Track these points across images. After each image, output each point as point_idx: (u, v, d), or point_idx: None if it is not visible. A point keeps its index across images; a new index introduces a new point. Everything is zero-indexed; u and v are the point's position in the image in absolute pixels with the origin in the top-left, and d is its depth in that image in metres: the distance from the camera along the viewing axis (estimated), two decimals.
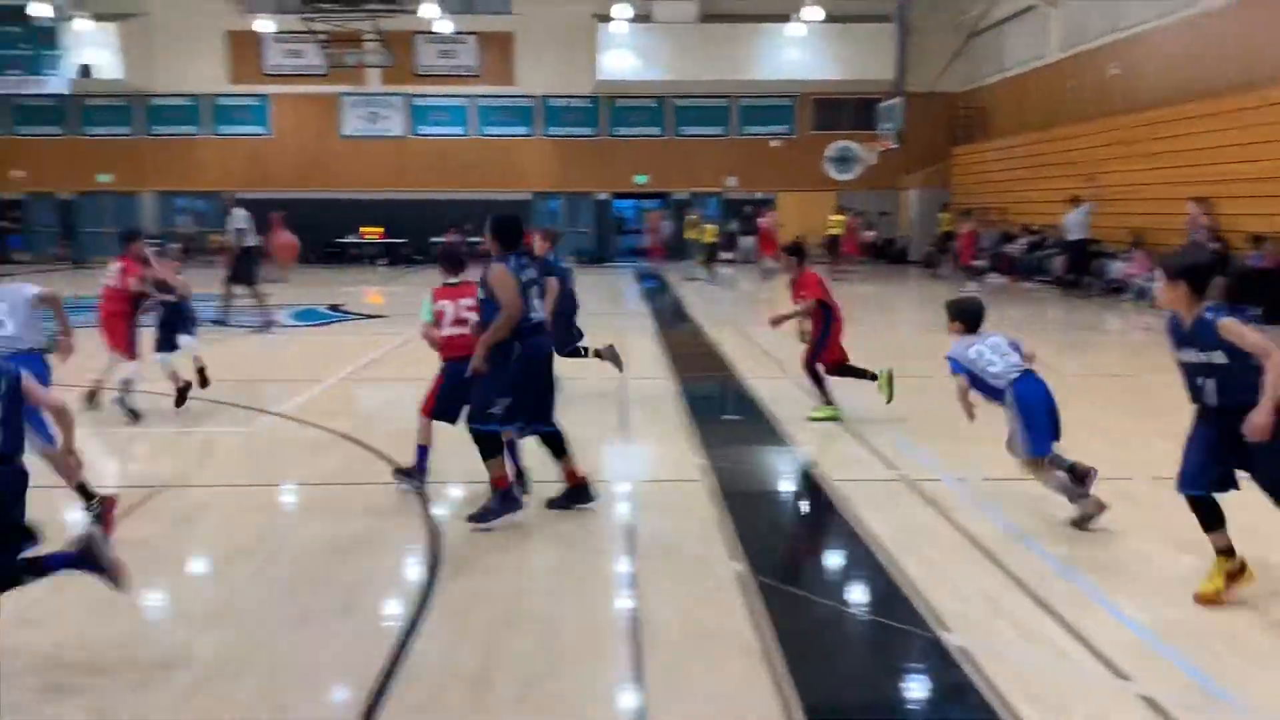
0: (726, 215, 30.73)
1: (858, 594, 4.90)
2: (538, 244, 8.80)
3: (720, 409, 9.75)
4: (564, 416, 6.13)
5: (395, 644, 4.11)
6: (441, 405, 6.23)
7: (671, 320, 16.72)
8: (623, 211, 34.24)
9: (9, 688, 3.75)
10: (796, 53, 29.56)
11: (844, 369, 8.51)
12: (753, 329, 15.37)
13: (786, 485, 7.03)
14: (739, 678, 3.90)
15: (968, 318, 5.96)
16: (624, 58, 29.67)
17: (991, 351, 5.71)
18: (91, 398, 8.57)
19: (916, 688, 3.97)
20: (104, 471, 6.98)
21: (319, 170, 31.36)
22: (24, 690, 3.77)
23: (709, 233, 26.02)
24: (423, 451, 6.35)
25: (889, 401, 8.29)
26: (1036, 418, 5.51)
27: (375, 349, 12.54)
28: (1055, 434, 5.57)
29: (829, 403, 8.46)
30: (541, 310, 5.88)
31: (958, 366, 5.75)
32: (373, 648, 4.10)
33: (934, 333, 14.94)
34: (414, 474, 6.34)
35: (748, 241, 29.58)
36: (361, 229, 30.94)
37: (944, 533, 5.60)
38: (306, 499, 6.39)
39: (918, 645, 4.21)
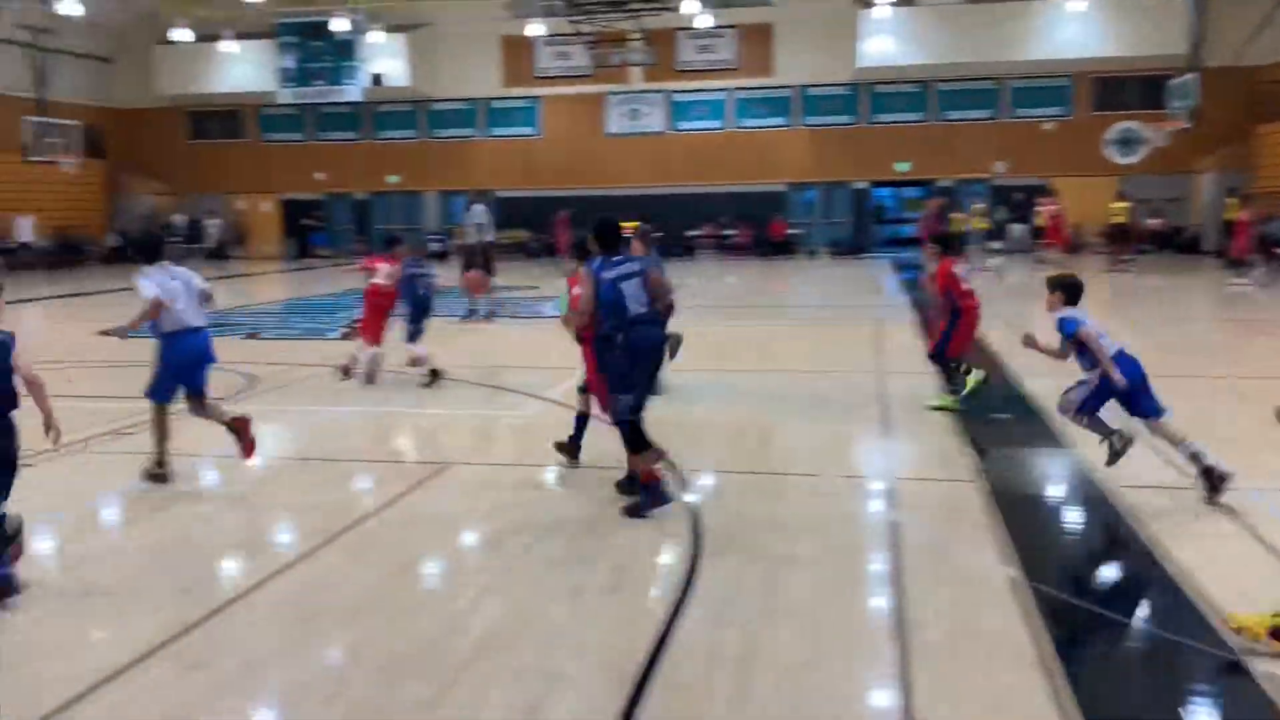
0: (995, 203, 29.31)
1: (1147, 609, 4.55)
2: (635, 246, 8.65)
3: (989, 407, 9.31)
4: (823, 412, 6.05)
5: (661, 625, 4.20)
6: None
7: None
8: (881, 200, 33.37)
9: (290, 653, 4.14)
10: (1074, 29, 27.72)
11: (948, 361, 8.86)
12: (1023, 323, 14.60)
13: (1065, 489, 6.61)
14: (1012, 686, 3.71)
15: (1069, 290, 6.34)
16: (886, 43, 28.88)
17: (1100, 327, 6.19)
18: (346, 373, 9.96)
19: (1218, 717, 3.63)
20: (401, 448, 7.56)
21: (583, 168, 32.54)
22: (310, 655, 4.14)
23: (980, 221, 24.76)
24: (581, 421, 6.71)
25: (964, 396, 8.55)
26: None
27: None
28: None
29: (953, 393, 8.65)
30: (641, 303, 5.92)
31: (1073, 326, 6.12)
32: (638, 626, 4.21)
33: (1223, 331, 13.68)
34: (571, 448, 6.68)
35: (1017, 229, 28.08)
36: (621, 224, 31.83)
37: (1245, 549, 5.09)
38: (575, 480, 6.63)
39: (1218, 669, 3.85)
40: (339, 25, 29.93)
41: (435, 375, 9.87)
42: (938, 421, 8.13)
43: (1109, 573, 5.24)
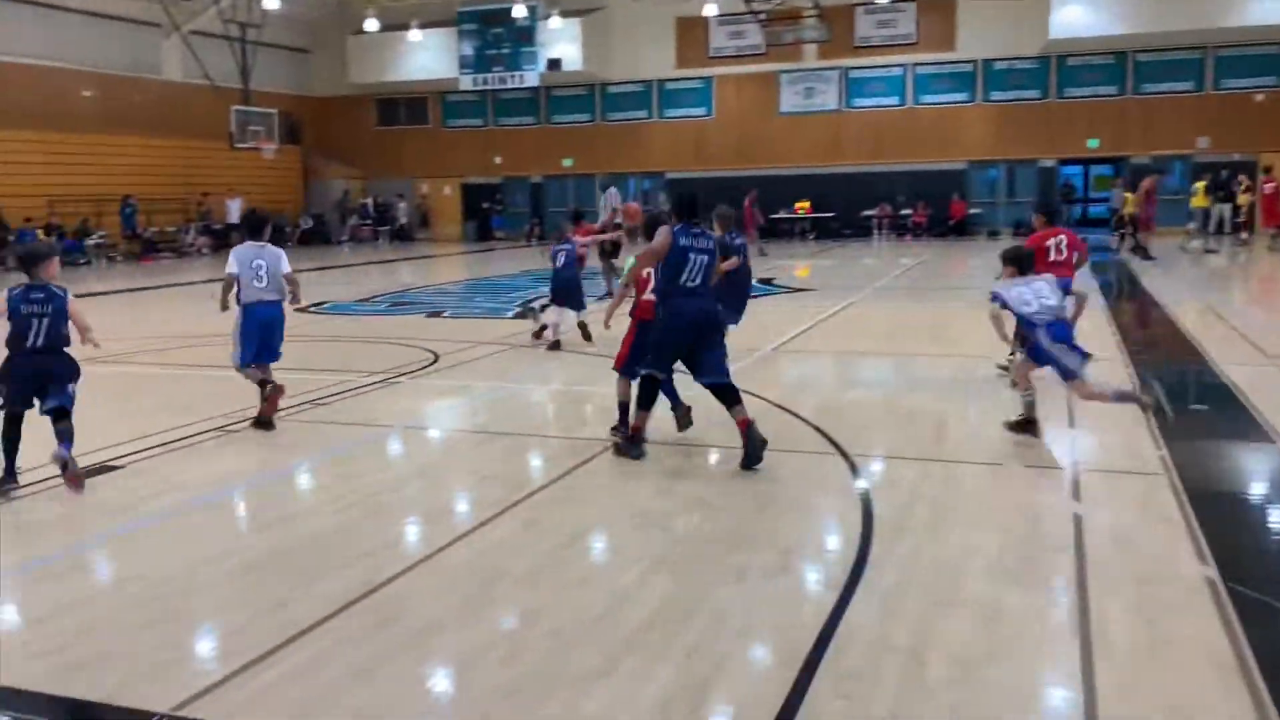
0: (1191, 181, 27.41)
1: None
2: (716, 226, 9.67)
3: (1184, 396, 8.78)
4: (1002, 399, 5.83)
5: (829, 610, 4.16)
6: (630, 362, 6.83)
7: (1124, 296, 15.30)
8: (1070, 179, 31.77)
9: (467, 618, 4.31)
10: None
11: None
12: (1226, 309, 13.66)
13: (1267, 485, 6.16)
14: (1208, 692, 3.49)
15: (1018, 263, 7.06)
16: (1079, 13, 27.35)
17: (1032, 295, 6.73)
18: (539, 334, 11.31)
19: None
20: (573, 423, 7.74)
21: (756, 148, 32.32)
22: (485, 621, 4.30)
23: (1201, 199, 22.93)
24: (624, 408, 6.81)
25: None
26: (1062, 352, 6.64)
27: (804, 321, 12.74)
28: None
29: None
30: (698, 279, 6.37)
31: (997, 298, 6.93)
32: (806, 611, 4.19)
33: None
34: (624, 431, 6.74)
35: (1223, 209, 26.16)
36: (795, 204, 31.43)
37: None
38: (738, 459, 6.61)
39: None
40: (518, 12, 30.68)
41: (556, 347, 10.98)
42: (1127, 411, 7.71)
43: None
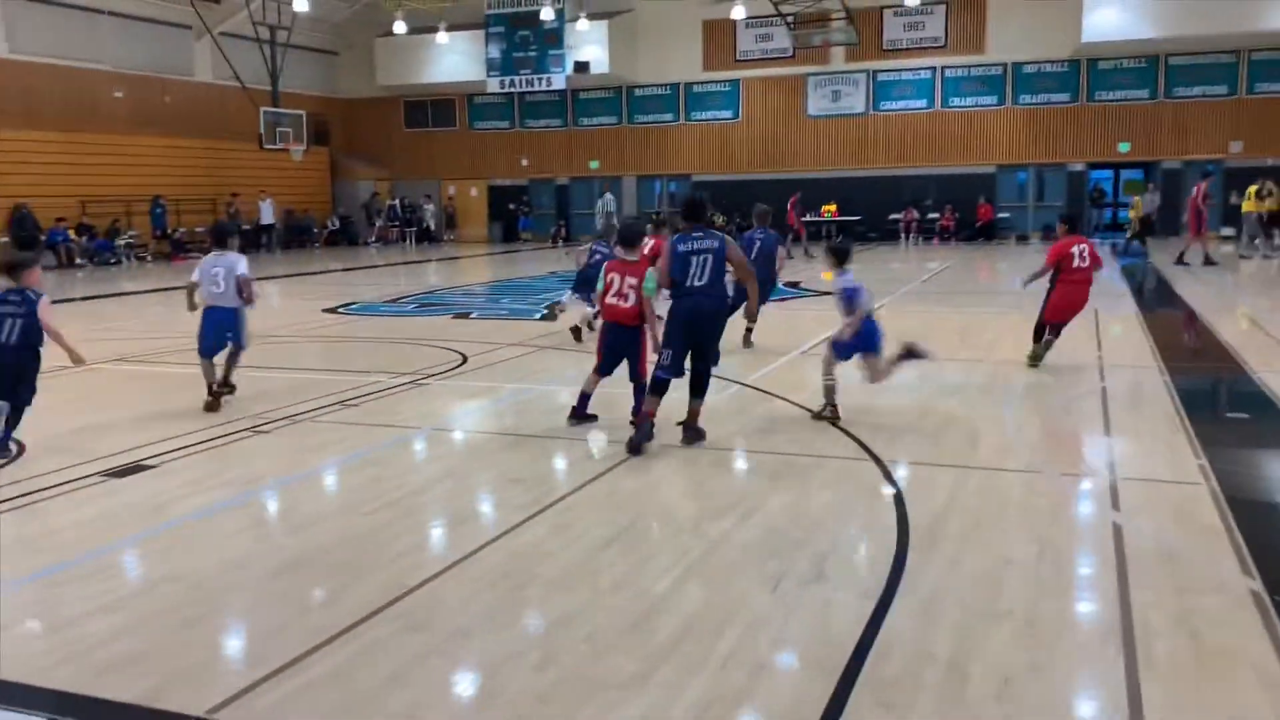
0: (1227, 186, 27.13)
1: None
2: (755, 220, 11.49)
3: (1222, 404, 8.64)
4: (1038, 405, 5.72)
5: (867, 618, 4.10)
6: (603, 361, 7.40)
7: (1158, 303, 15.11)
8: (1100, 183, 31.50)
9: (502, 622, 4.27)
10: None
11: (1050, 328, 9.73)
12: (1264, 316, 13.46)
13: None
14: (1257, 708, 3.41)
15: (837, 255, 7.85)
16: (1113, 16, 27.06)
17: (850, 284, 7.58)
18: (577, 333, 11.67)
19: None
20: (602, 425, 7.69)
21: (783, 151, 32.24)
22: (519, 625, 4.26)
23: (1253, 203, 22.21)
24: (584, 398, 7.54)
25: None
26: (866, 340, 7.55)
27: (833, 325, 12.62)
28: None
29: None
30: (704, 277, 6.72)
31: (859, 291, 7.55)
32: (844, 619, 4.12)
33: None
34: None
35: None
36: (823, 208, 31.27)
37: None
38: (770, 465, 6.58)
39: None
40: (545, 15, 30.73)
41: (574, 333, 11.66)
42: (1164, 419, 7.60)
43: None
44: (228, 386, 8.62)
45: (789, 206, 26.55)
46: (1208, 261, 20.27)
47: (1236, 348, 10.60)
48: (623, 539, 5.23)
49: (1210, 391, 9.18)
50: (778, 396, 8.47)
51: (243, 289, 8.39)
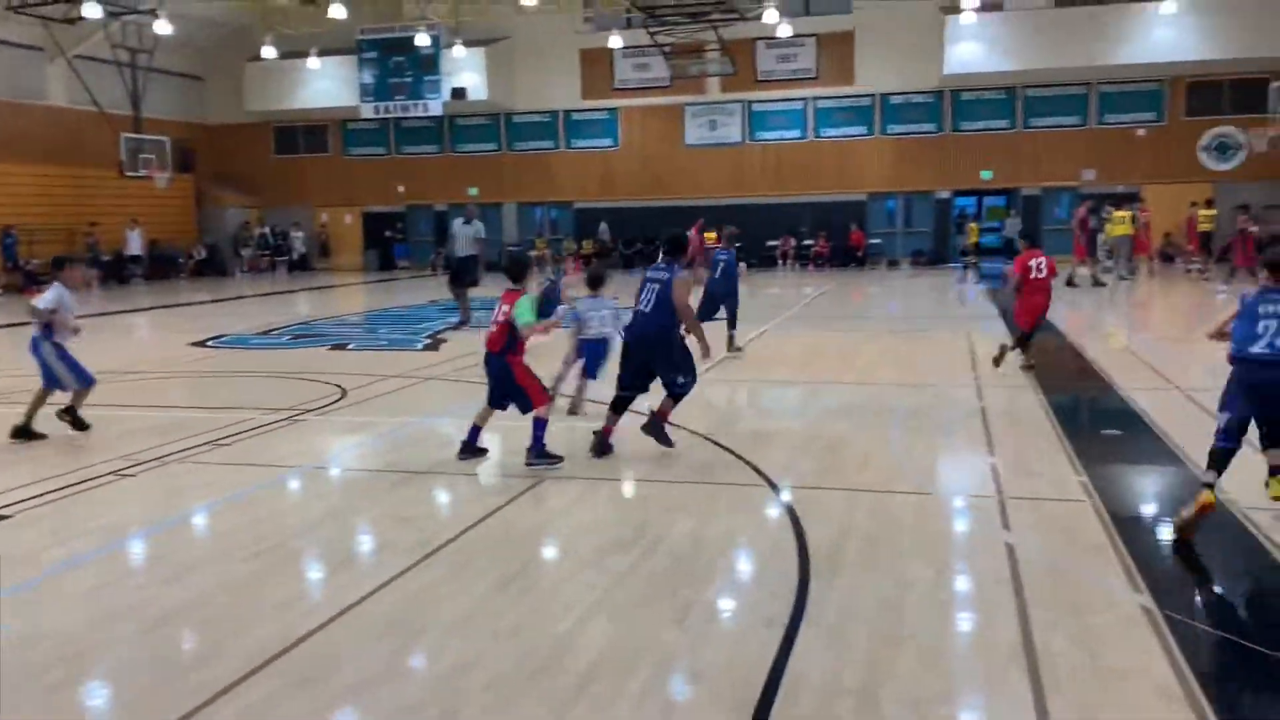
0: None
1: None
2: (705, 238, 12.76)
3: (1096, 422, 8.98)
4: (922, 426, 5.80)
5: (775, 651, 4.03)
6: (489, 391, 7.30)
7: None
8: (964, 209, 32.79)
9: (397, 672, 4.06)
10: (1167, 32, 26.93)
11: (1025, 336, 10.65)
12: (1124, 335, 14.10)
13: (1187, 510, 6.25)
14: None
15: (591, 281, 8.86)
16: (973, 49, 28.29)
17: (594, 310, 8.65)
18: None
19: None
20: (496, 458, 7.49)
21: (662, 179, 32.54)
22: (416, 675, 4.06)
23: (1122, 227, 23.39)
24: (475, 431, 7.36)
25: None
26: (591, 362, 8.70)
27: (718, 351, 12.68)
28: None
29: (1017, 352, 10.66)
30: (648, 304, 7.29)
31: (576, 315, 8.70)
32: (752, 651, 4.05)
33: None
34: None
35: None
36: (688, 233, 31.57)
37: None
38: (675, 496, 6.50)
39: None
40: (420, 40, 30.36)
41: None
42: (1043, 437, 7.84)
43: (1246, 600, 4.91)
44: (69, 416, 8.36)
45: (693, 232, 26.87)
46: (1096, 283, 21.36)
47: (1105, 366, 11.06)
48: (522, 577, 5.06)
49: (1084, 409, 9.52)
50: (674, 424, 8.41)
51: (41, 319, 8.18)
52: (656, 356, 7.31)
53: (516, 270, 7.31)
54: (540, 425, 7.00)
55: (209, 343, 15.06)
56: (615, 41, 30.27)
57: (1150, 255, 24.20)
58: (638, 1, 27.43)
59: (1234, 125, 25.62)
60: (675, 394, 7.37)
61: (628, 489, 6.76)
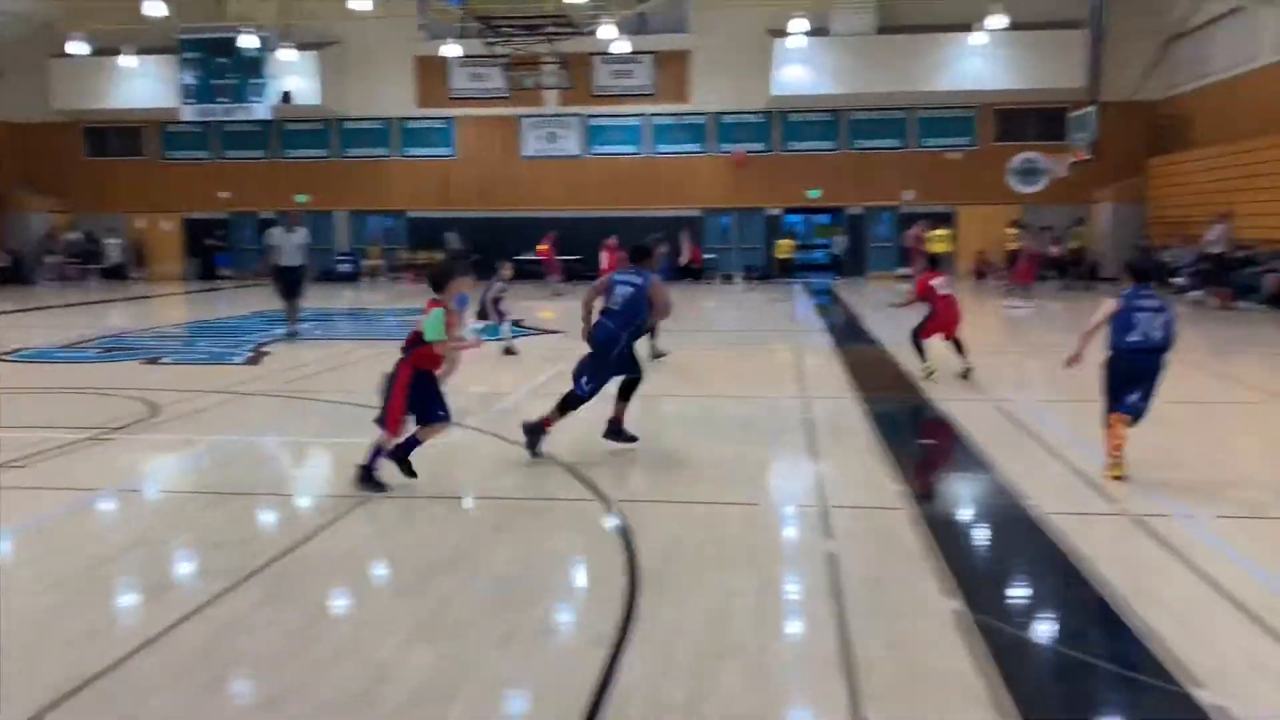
0: (902, 229, 30.14)
1: (1094, 642, 4.48)
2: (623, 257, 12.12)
3: (912, 431, 9.37)
4: (751, 438, 5.92)
5: (600, 670, 4.01)
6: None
7: (850, 338, 16.30)
8: (794, 226, 33.89)
9: (206, 706, 3.84)
10: (978, 62, 28.58)
11: (918, 343, 11.67)
12: (937, 348, 14.78)
13: (996, 517, 6.59)
14: None
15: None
16: (799, 72, 29.34)
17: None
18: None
19: None
20: (316, 478, 7.19)
21: (500, 190, 32.28)
22: (227, 709, 3.85)
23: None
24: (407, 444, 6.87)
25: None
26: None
27: (556, 363, 12.65)
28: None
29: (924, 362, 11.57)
30: (616, 304, 7.75)
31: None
32: (578, 671, 4.01)
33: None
34: None
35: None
36: (537, 248, 31.53)
37: (1181, 576, 5.12)
38: (498, 513, 6.40)
39: (1169, 703, 3.81)
40: (245, 42, 29.19)
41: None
42: (862, 446, 8.12)
43: (1051, 602, 5.17)
44: None
45: (546, 245, 27.19)
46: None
47: (920, 377, 11.57)
48: (341, 603, 4.87)
49: (902, 419, 9.92)
50: (504, 439, 8.31)
51: None
52: (614, 357, 7.77)
53: (437, 279, 6.82)
54: (378, 451, 6.72)
55: (8, 357, 13.99)
56: (451, 50, 29.89)
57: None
58: (474, 11, 27.17)
59: (1038, 151, 27.33)
60: (626, 386, 7.94)
61: (453, 508, 6.61)
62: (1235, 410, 10.07)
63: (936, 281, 11.66)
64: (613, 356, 7.78)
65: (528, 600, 4.80)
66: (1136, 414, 6.93)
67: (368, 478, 6.68)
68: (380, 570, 5.42)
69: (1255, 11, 23.14)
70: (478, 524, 6.28)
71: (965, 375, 11.46)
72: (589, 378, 7.69)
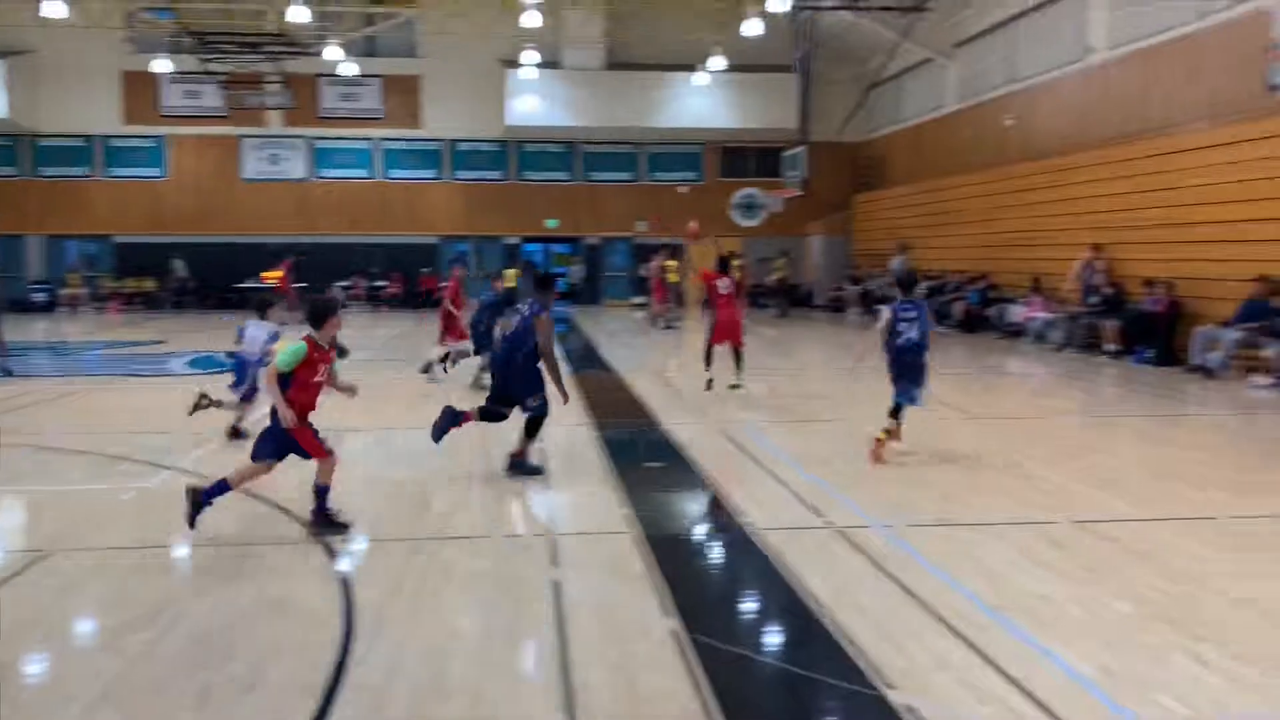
0: (637, 260, 30.99)
1: (799, 651, 4.72)
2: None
3: (642, 456, 9.58)
4: (478, 468, 5.83)
5: None
6: None
7: (585, 364, 16.54)
8: (532, 255, 34.11)
9: None
10: (701, 101, 30.00)
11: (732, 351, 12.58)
12: (668, 374, 15.27)
13: (716, 536, 6.83)
14: None
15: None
16: (533, 103, 29.68)
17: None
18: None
19: None
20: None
21: (219, 213, 30.55)
22: None
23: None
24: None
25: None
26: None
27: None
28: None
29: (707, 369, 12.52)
30: (503, 334, 8.22)
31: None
32: None
33: (841, 376, 15.11)
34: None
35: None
36: (262, 273, 29.99)
37: (878, 583, 5.49)
38: (206, 561, 5.96)
39: (866, 706, 4.05)
40: None
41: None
42: (595, 472, 8.22)
43: (761, 616, 5.40)
44: None
45: (284, 271, 25.93)
46: (668, 326, 23.30)
47: (649, 402, 11.89)
48: (17, 667, 4.35)
49: (631, 444, 10.12)
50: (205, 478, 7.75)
51: None
52: (499, 374, 8.16)
53: (316, 315, 6.40)
54: (322, 490, 6.50)
55: None
56: (161, 66, 28.01)
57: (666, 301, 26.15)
58: (186, 26, 25.61)
59: (758, 187, 28.99)
60: (531, 417, 8.05)
61: (156, 557, 6.10)
62: (934, 427, 11.00)
63: (721, 283, 12.45)
64: (512, 373, 8.00)
65: (231, 653, 4.47)
66: (913, 400, 8.37)
67: (323, 520, 6.42)
68: (62, 630, 4.90)
69: (943, 63, 25.66)
70: (183, 574, 5.82)
71: (734, 388, 12.33)
72: (530, 396, 7.98)
